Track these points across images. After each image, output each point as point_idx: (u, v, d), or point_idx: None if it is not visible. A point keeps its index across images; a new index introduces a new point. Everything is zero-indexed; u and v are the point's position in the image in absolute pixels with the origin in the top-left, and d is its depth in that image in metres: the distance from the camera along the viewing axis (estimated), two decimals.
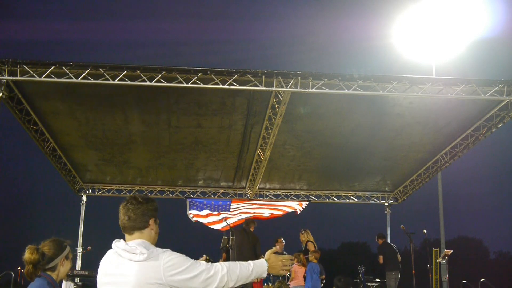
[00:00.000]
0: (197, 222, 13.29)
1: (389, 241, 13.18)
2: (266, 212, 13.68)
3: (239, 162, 11.57)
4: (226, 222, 10.72)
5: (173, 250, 2.58)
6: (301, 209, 13.88)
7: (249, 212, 13.61)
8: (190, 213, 13.32)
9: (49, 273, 3.06)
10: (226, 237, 9.98)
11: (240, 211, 13.59)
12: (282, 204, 13.84)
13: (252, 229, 10.04)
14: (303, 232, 11.06)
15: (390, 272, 11.10)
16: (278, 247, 11.12)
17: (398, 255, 11.29)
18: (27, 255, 2.92)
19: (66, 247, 3.15)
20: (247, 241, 9.73)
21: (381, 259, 11.42)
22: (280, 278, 10.39)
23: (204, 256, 9.43)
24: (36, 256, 2.94)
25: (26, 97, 8.27)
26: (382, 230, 13.51)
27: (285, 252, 11.58)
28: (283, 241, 11.55)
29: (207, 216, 13.41)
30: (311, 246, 10.64)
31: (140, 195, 2.62)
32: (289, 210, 13.83)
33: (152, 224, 2.55)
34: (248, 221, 10.26)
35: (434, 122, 9.39)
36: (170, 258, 2.38)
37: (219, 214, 13.41)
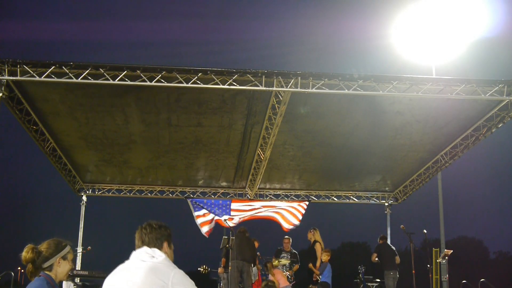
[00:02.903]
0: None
1: (389, 241, 13.17)
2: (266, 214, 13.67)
3: (239, 162, 11.57)
4: (227, 223, 10.71)
5: (173, 250, 2.78)
6: (300, 218, 13.68)
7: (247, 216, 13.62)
8: (196, 216, 13.35)
9: (47, 272, 3.05)
10: (226, 237, 10.01)
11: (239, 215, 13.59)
12: (283, 207, 13.75)
13: (247, 235, 10.28)
14: (311, 230, 11.11)
15: (388, 271, 11.11)
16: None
17: (397, 257, 11.28)
18: (23, 253, 2.98)
19: (64, 248, 3.14)
20: (246, 241, 9.86)
21: (374, 256, 11.46)
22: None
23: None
24: (31, 255, 2.98)
25: (26, 97, 8.27)
26: (382, 230, 13.53)
27: (294, 250, 11.60)
28: (290, 240, 11.60)
29: (204, 216, 13.43)
30: (318, 248, 10.68)
31: (155, 222, 2.78)
32: (288, 225, 13.60)
33: (166, 247, 2.72)
34: (242, 228, 10.45)
35: (434, 120, 9.39)
36: (181, 274, 2.56)
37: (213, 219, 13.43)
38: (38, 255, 3.01)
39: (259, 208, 13.69)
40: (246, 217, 13.66)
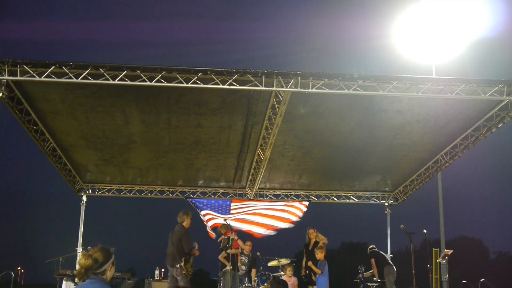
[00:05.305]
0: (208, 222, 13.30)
1: (389, 241, 13.44)
2: (261, 230, 13.55)
3: (239, 162, 11.57)
4: (227, 224, 10.65)
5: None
6: (301, 215, 13.70)
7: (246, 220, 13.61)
8: (202, 214, 13.40)
9: (101, 276, 3.31)
10: (226, 237, 9.98)
11: (240, 218, 13.55)
12: (282, 209, 13.74)
13: (185, 223, 9.05)
14: (315, 231, 11.03)
15: (388, 267, 11.13)
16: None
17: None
18: (83, 260, 3.25)
19: (112, 254, 3.44)
20: (170, 241, 9.02)
21: (373, 261, 11.48)
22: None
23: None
24: (90, 261, 3.26)
25: (26, 97, 8.28)
26: (382, 230, 13.58)
27: (258, 253, 11.36)
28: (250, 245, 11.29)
29: (205, 216, 13.46)
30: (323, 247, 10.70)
31: None
32: (286, 224, 13.64)
33: None
34: (182, 214, 9.19)
35: (434, 120, 9.39)
36: None
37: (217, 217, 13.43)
38: (95, 262, 3.28)
39: (256, 210, 13.70)
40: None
